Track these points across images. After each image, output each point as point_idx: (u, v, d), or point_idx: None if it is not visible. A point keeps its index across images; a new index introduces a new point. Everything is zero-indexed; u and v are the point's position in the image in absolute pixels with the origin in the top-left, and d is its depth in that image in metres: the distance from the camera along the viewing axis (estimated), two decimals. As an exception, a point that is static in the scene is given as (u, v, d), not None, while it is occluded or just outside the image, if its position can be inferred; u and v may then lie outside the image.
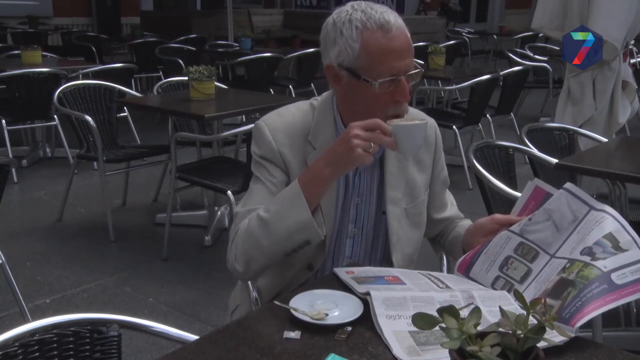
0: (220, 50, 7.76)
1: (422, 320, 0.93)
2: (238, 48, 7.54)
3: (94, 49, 7.74)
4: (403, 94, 1.46)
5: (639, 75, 4.87)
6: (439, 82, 6.11)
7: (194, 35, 8.34)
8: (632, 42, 4.27)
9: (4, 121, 4.89)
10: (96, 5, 11.09)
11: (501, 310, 0.94)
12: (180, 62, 6.27)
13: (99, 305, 3.11)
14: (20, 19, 9.73)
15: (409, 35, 1.46)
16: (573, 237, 1.33)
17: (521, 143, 2.84)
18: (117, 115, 4.54)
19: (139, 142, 5.11)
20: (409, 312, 1.20)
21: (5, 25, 9.33)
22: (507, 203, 2.30)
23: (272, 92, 6.28)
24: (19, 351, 1.14)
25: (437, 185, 1.73)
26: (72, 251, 3.74)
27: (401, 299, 1.24)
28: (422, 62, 5.17)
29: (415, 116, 1.56)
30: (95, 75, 5.06)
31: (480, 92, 5.00)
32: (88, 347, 1.22)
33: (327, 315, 1.23)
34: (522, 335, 0.90)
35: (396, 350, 1.12)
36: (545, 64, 6.81)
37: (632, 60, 4.98)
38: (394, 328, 1.17)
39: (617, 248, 1.26)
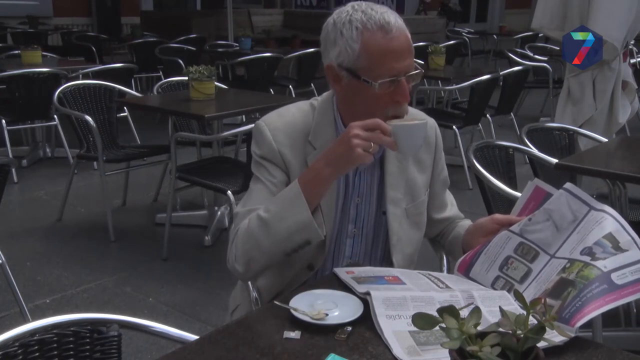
0: (220, 50, 7.76)
1: (422, 320, 0.93)
2: (238, 48, 7.54)
3: (94, 49, 7.73)
4: (403, 95, 1.46)
5: (639, 75, 4.87)
6: (439, 82, 6.11)
7: (194, 35, 8.33)
8: (632, 42, 4.28)
9: (4, 121, 4.90)
10: (96, 5, 11.08)
11: (501, 310, 0.94)
12: (180, 62, 6.27)
13: (99, 305, 3.11)
14: (20, 19, 9.72)
15: (409, 36, 1.46)
16: (573, 237, 1.33)
17: (521, 143, 2.83)
18: (117, 115, 4.54)
19: (139, 142, 5.11)
20: (409, 312, 1.20)
21: (5, 25, 9.32)
22: (507, 203, 2.30)
23: (272, 92, 6.27)
24: (19, 351, 1.14)
25: (437, 185, 1.73)
26: (72, 251, 3.74)
27: (401, 299, 1.24)
28: (422, 63, 5.18)
29: (415, 116, 1.56)
30: (95, 75, 5.06)
31: (480, 92, 5.00)
32: (88, 347, 1.22)
33: (327, 315, 1.22)
34: (522, 335, 0.90)
35: (396, 350, 1.12)
36: (545, 64, 6.81)
37: (632, 60, 4.98)
38: (394, 328, 1.18)
39: (617, 248, 1.26)
